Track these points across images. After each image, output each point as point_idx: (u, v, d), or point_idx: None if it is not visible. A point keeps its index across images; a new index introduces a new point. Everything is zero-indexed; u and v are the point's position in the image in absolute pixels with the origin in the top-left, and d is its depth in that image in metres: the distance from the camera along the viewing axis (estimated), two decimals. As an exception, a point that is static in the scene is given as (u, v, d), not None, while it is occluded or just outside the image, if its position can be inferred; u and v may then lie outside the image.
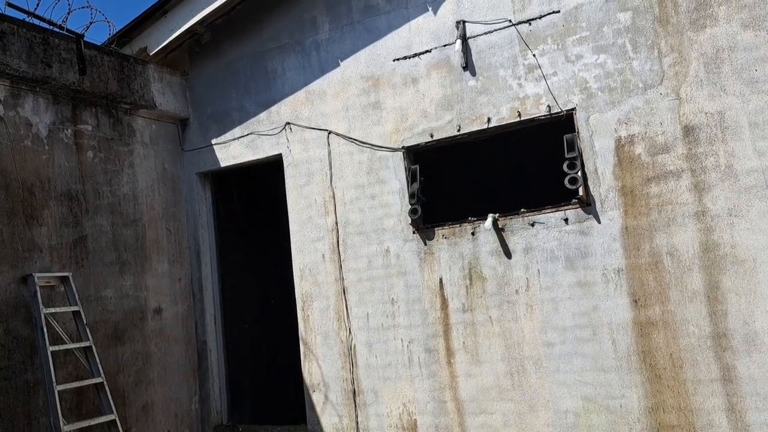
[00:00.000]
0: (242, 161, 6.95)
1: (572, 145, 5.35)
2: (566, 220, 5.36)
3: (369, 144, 6.26)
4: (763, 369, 4.66)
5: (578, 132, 5.37)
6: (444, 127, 5.91)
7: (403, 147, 6.08)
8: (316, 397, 6.35)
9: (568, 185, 5.29)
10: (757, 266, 4.72)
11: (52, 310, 5.52)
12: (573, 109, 5.40)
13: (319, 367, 6.35)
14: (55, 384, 5.23)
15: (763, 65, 4.77)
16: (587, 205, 5.30)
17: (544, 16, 5.55)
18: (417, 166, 6.03)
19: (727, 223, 4.83)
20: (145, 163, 6.85)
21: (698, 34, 5.00)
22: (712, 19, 4.95)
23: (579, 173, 5.28)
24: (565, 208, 5.39)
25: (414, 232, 5.97)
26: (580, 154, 5.35)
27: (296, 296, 6.54)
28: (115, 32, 6.93)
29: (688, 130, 5.00)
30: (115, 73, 6.49)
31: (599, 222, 5.25)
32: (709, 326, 4.84)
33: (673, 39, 5.08)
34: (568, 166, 5.30)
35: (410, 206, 5.93)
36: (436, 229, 5.91)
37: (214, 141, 7.10)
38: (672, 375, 4.94)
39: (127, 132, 6.73)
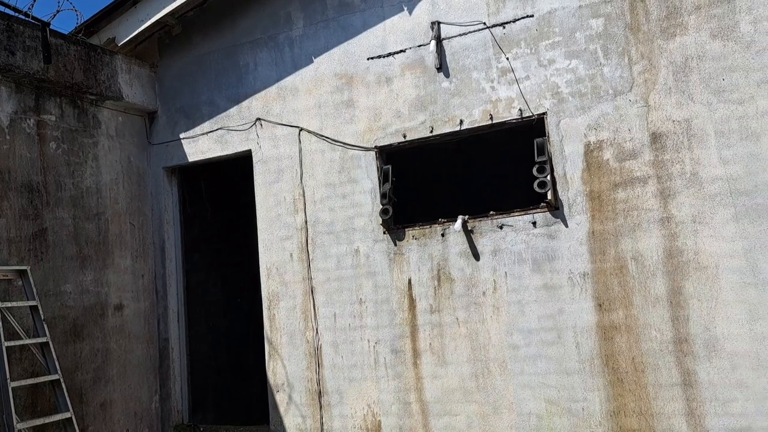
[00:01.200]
0: (211, 156, 6.83)
1: (542, 149, 5.37)
2: (534, 223, 5.39)
3: (341, 142, 6.21)
4: (723, 374, 4.73)
5: (548, 136, 5.40)
6: (417, 128, 5.90)
7: (375, 147, 6.05)
8: (280, 398, 6.26)
9: (537, 189, 5.31)
10: (720, 273, 4.79)
11: (9, 304, 5.35)
12: (544, 114, 5.43)
13: (284, 366, 6.27)
14: (9, 381, 5.06)
15: (731, 75, 4.85)
16: (555, 209, 5.33)
17: (519, 19, 5.58)
18: (389, 167, 6.00)
19: (691, 230, 4.90)
20: (109, 156, 6.69)
21: (668, 42, 5.06)
22: (682, 27, 5.03)
23: (548, 177, 5.30)
24: (534, 211, 5.41)
25: (384, 233, 5.94)
26: (550, 159, 5.38)
27: (262, 295, 6.45)
28: (83, 21, 6.80)
29: (656, 137, 5.06)
30: (82, 63, 6.33)
31: (567, 226, 5.28)
32: (671, 331, 4.91)
33: (643, 46, 5.14)
34: (538, 170, 5.32)
35: (381, 206, 5.90)
36: (406, 229, 5.88)
37: (182, 135, 6.98)
38: (634, 379, 4.99)
39: (92, 123, 6.56)
